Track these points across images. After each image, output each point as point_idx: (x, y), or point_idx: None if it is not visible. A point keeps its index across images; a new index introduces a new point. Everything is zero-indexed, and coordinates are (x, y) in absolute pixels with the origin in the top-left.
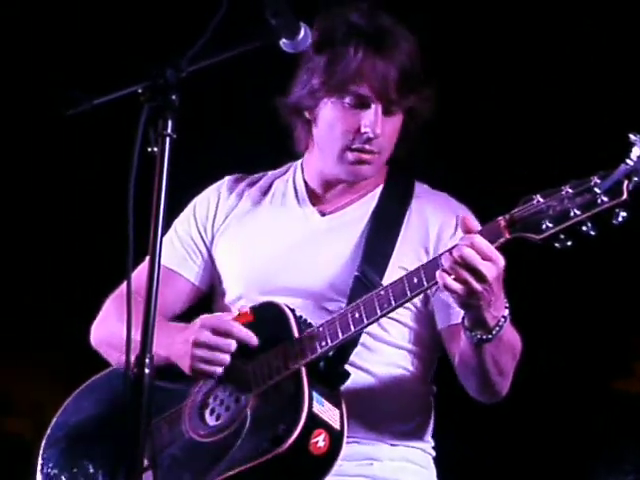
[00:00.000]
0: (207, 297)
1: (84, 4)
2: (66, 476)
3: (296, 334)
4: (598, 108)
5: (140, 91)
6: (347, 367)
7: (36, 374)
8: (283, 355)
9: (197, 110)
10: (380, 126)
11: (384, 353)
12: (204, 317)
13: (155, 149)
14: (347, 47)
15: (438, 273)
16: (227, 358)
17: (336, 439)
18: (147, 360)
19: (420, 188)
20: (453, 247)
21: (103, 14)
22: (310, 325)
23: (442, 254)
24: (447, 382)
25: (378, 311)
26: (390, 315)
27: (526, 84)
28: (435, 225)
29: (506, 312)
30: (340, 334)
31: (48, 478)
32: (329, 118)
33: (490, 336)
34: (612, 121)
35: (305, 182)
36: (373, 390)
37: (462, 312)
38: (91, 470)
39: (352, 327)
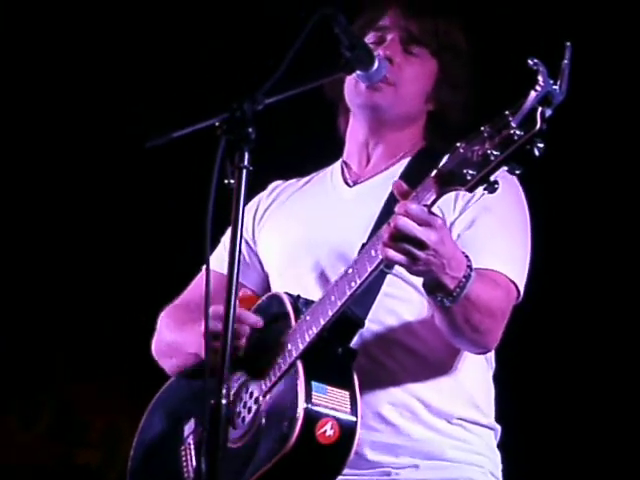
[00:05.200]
0: None
1: (168, 39)
2: None
3: (293, 324)
4: None
5: (217, 124)
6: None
7: (110, 405)
8: (282, 348)
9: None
10: (393, 53)
11: (410, 305)
12: (212, 307)
13: (232, 181)
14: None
15: (380, 247)
16: (241, 344)
17: (346, 423)
18: (224, 390)
19: None
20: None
21: (184, 47)
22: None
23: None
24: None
25: (347, 291)
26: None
27: None
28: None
29: (468, 271)
30: (321, 319)
31: None
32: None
33: (451, 298)
34: None
35: (345, 163)
36: (400, 347)
37: None
38: None
39: (329, 311)
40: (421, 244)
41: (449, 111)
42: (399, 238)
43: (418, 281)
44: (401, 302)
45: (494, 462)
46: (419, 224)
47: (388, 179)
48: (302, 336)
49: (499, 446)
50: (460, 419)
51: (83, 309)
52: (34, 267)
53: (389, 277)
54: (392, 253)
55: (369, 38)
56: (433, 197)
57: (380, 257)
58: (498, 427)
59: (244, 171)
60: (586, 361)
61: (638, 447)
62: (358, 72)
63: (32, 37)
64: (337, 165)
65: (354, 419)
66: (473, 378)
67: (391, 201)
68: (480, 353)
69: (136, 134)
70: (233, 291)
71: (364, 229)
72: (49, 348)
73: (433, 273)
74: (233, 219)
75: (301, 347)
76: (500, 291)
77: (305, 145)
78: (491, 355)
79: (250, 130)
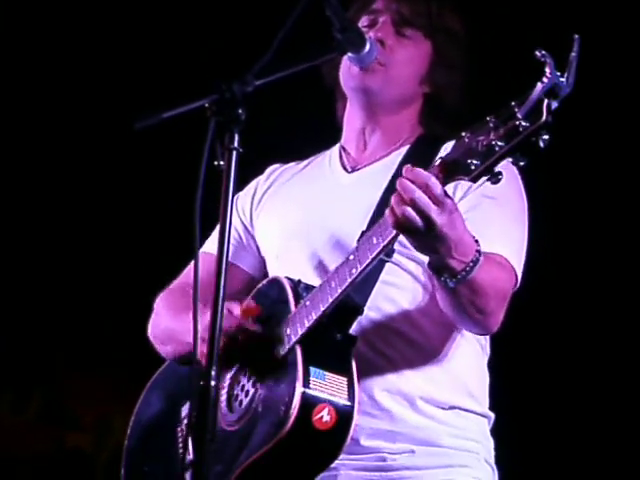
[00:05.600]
0: None
1: (155, 21)
2: (140, 474)
3: (293, 309)
4: None
5: (207, 105)
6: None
7: (100, 388)
8: (282, 333)
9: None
10: (385, 35)
11: (405, 291)
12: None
13: (222, 163)
14: None
15: (388, 211)
16: (234, 350)
17: (343, 409)
18: (213, 372)
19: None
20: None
21: (173, 29)
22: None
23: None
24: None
25: (348, 278)
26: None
27: None
28: None
29: (477, 256)
30: (321, 305)
31: (129, 478)
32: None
33: (455, 280)
34: None
35: (343, 148)
36: (396, 334)
37: None
38: (159, 467)
39: (329, 297)
40: (429, 222)
41: (445, 93)
42: (404, 198)
43: (415, 269)
44: (399, 290)
45: (487, 449)
46: (434, 202)
47: (387, 167)
48: (301, 321)
49: (492, 433)
50: (455, 407)
51: (77, 301)
52: (28, 259)
53: (387, 265)
54: (395, 209)
55: (362, 22)
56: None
57: (381, 245)
58: (492, 415)
59: (234, 153)
60: (580, 350)
61: (633, 434)
62: (350, 54)
63: (18, 26)
64: (335, 149)
65: (351, 405)
66: (468, 366)
67: (390, 189)
68: (481, 334)
69: (125, 116)
70: (222, 274)
71: (363, 217)
72: (44, 339)
73: (439, 254)
74: (223, 200)
75: (300, 332)
76: (504, 274)
77: (299, 128)
78: (486, 342)
79: (240, 111)
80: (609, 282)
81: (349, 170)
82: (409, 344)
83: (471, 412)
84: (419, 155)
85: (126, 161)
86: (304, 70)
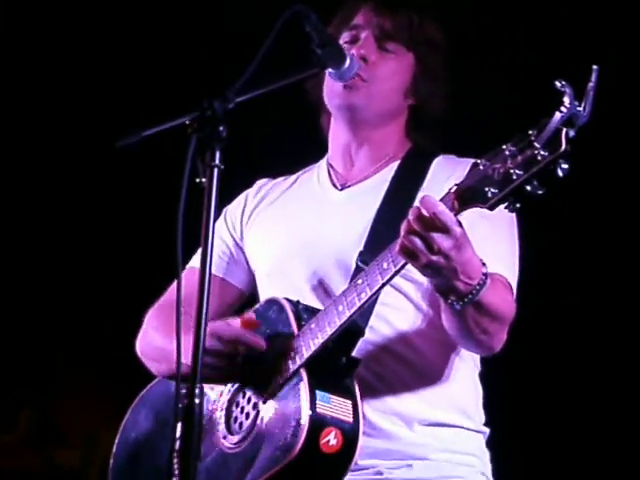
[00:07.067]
0: None
1: (137, 38)
2: None
3: (295, 331)
4: None
5: (188, 122)
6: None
7: (87, 405)
8: (285, 355)
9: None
10: (368, 52)
11: (402, 316)
12: (212, 324)
13: (204, 180)
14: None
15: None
16: (234, 365)
17: (349, 432)
18: (197, 390)
19: (445, 158)
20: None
21: (153, 46)
22: (314, 313)
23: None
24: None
25: (357, 302)
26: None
27: None
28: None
29: (483, 279)
30: (328, 329)
31: None
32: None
33: (462, 303)
34: None
35: (330, 165)
36: (395, 359)
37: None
38: None
39: (337, 321)
40: (431, 247)
41: (429, 103)
42: (417, 234)
43: (410, 290)
44: (395, 311)
45: (483, 461)
46: (441, 231)
47: (379, 184)
48: (307, 344)
49: (488, 446)
50: (451, 426)
51: (68, 315)
52: (25, 268)
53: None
54: (405, 241)
55: (344, 38)
56: (452, 213)
57: (393, 270)
58: (487, 430)
59: (215, 170)
60: (574, 361)
61: (630, 443)
62: (330, 70)
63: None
64: (323, 166)
65: (357, 428)
66: (463, 386)
67: (384, 208)
68: (485, 354)
69: (107, 133)
70: (205, 292)
71: (359, 236)
72: (31, 353)
73: (446, 278)
74: (205, 217)
75: (306, 355)
76: (509, 295)
77: (285, 141)
78: (478, 357)
79: (221, 129)
80: (603, 294)
81: (339, 188)
82: (404, 365)
83: (467, 429)
84: (410, 171)
85: (120, 177)
86: (285, 86)
